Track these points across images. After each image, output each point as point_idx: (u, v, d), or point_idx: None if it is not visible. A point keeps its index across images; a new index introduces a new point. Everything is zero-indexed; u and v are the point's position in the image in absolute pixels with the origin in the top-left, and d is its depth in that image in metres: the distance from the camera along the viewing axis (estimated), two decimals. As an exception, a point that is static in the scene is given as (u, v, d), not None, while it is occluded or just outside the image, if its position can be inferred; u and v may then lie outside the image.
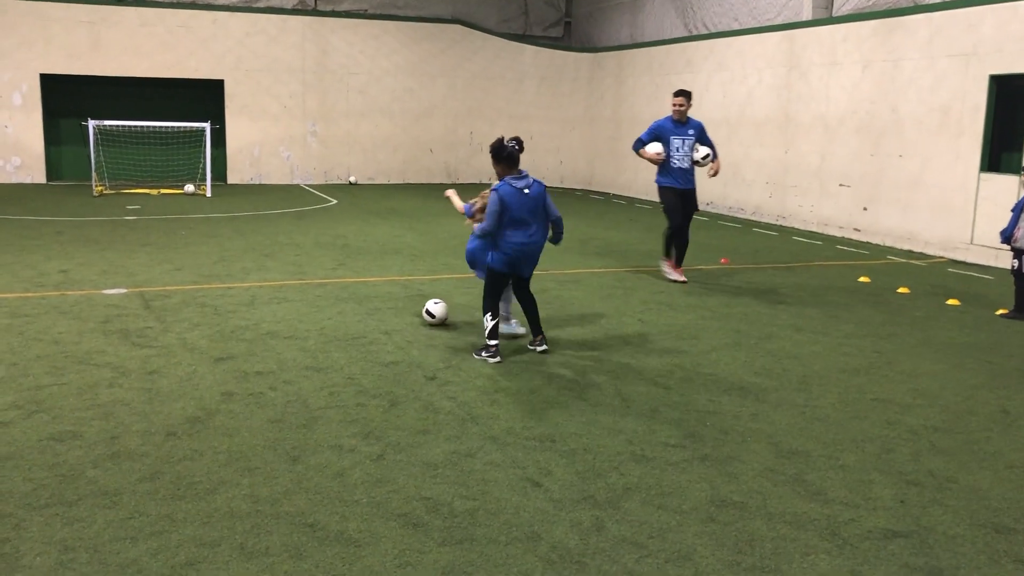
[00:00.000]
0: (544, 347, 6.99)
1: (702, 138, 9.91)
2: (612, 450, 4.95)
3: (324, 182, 23.14)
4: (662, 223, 16.48)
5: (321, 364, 6.48)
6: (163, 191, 19.61)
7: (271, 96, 22.43)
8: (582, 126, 24.46)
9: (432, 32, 23.72)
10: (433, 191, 21.63)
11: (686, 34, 20.13)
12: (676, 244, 10.15)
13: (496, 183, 6.72)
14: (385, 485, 4.39)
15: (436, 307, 7.77)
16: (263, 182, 22.58)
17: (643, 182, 21.49)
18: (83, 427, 5.08)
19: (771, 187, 16.85)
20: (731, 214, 18.05)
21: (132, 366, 6.29)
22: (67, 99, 21.20)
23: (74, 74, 20.92)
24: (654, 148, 9.80)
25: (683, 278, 10.09)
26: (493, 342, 6.72)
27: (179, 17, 21.45)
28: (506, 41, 24.41)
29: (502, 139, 6.71)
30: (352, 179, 23.31)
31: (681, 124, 9.79)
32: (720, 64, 18.34)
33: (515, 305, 7.40)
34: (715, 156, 9.93)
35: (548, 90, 24.54)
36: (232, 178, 22.33)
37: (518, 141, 6.71)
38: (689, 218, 10.07)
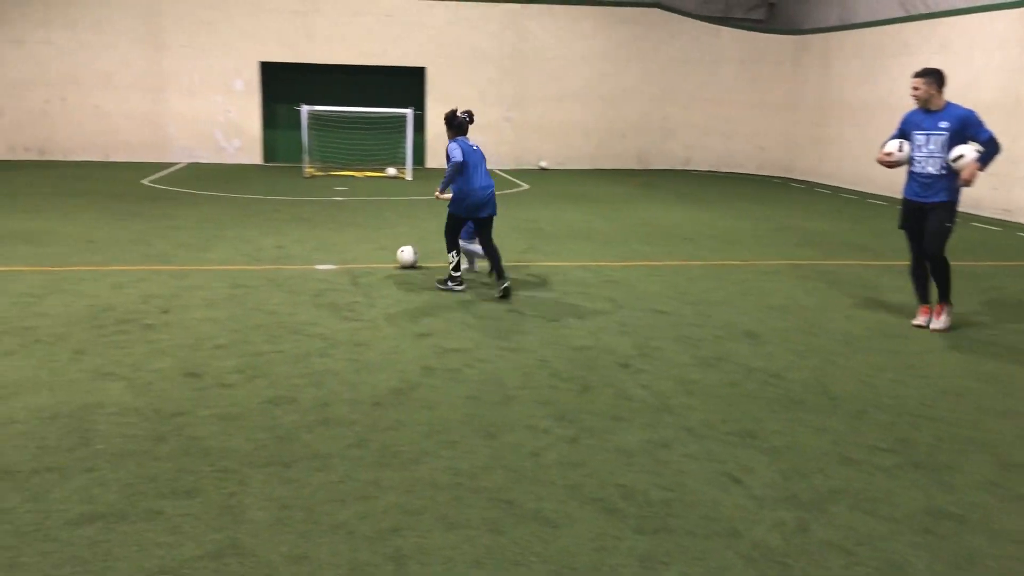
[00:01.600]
0: (505, 285, 7.97)
1: (973, 131, 7.07)
2: (817, 450, 4.72)
3: (515, 167, 23.50)
4: (870, 214, 15.42)
5: (514, 345, 6.57)
6: (367, 174, 20.58)
7: (469, 83, 23.00)
8: (783, 112, 23.49)
9: (630, 16, 23.51)
10: (624, 177, 21.49)
11: (903, 15, 18.85)
12: (912, 277, 7.73)
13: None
14: (579, 468, 4.39)
15: (403, 254, 9.24)
16: (459, 166, 23.20)
17: (848, 171, 20.40)
18: (297, 393, 5.40)
19: (996, 178, 15.51)
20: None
21: (341, 338, 6.63)
22: (282, 85, 22.68)
23: (289, 62, 22.32)
24: (891, 145, 7.46)
25: (931, 324, 7.54)
26: (457, 274, 8.19)
27: (384, 6, 22.38)
28: (705, 24, 23.82)
29: (455, 110, 8.14)
30: (543, 164, 23.54)
31: (928, 114, 7.28)
32: (942, 46, 17.05)
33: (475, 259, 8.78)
34: (983, 158, 6.97)
35: (747, 74, 23.74)
36: (430, 162, 23.11)
37: (469, 114, 8.26)
38: (932, 241, 7.23)
